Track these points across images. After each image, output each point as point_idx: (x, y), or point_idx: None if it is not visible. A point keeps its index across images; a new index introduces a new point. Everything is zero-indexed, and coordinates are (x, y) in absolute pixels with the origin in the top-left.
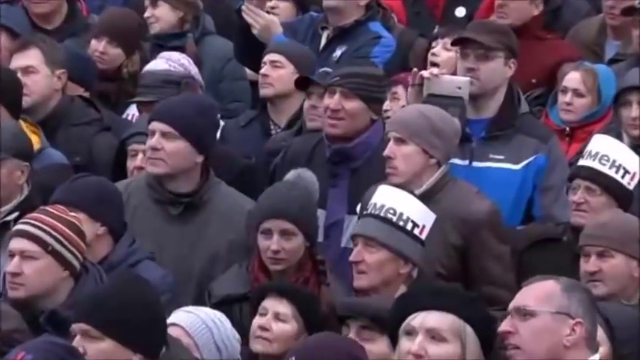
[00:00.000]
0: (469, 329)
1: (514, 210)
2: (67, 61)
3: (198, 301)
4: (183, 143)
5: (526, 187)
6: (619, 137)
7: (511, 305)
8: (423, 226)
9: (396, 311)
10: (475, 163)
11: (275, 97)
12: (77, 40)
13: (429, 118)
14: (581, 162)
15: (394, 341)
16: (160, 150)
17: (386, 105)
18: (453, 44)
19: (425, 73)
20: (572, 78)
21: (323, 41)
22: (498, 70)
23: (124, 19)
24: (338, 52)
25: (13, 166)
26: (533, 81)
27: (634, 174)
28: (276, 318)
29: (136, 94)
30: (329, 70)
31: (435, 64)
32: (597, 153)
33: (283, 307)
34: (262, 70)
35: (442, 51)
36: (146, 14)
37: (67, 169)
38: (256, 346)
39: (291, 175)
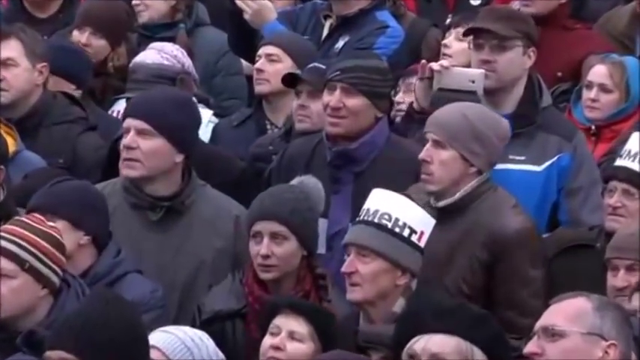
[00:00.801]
0: (477, 351)
1: (537, 215)
2: (56, 55)
3: (181, 314)
4: (160, 141)
5: (550, 190)
6: None
7: (538, 324)
8: (422, 233)
9: (398, 333)
10: None
11: (271, 94)
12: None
13: (470, 122)
14: (619, 162)
15: None
16: (136, 149)
17: (399, 97)
18: (464, 35)
19: (434, 65)
20: (598, 72)
21: (325, 31)
22: (516, 60)
23: (109, 8)
24: (341, 43)
25: None
26: (559, 74)
27: None
28: (291, 337)
29: (125, 90)
30: (320, 66)
31: (447, 56)
32: (637, 153)
33: (299, 325)
34: (257, 65)
35: (454, 42)
36: (134, 2)
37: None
38: None
39: (295, 182)
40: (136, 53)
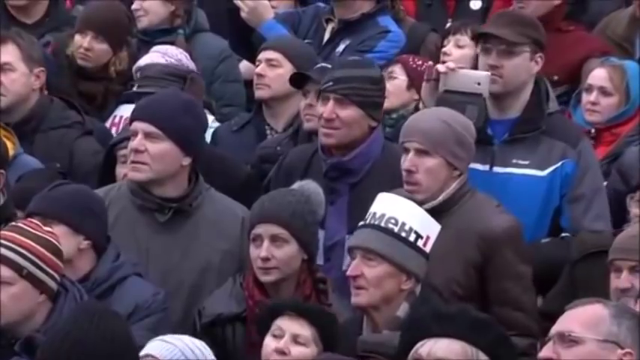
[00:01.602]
0: (482, 355)
1: (540, 221)
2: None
3: (188, 317)
4: (168, 144)
5: (553, 196)
6: None
7: (554, 329)
8: (428, 237)
9: (402, 339)
10: (496, 169)
11: (271, 99)
12: (59, 35)
13: (452, 127)
14: None
15: None
16: (144, 152)
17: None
18: (473, 39)
19: (441, 67)
20: (598, 75)
21: (327, 35)
22: (523, 66)
23: (110, 12)
24: (342, 47)
25: None
26: (555, 78)
27: None
28: (294, 341)
29: (131, 87)
30: (327, 65)
31: None
32: None
33: (302, 329)
34: (257, 70)
35: (454, 49)
36: (134, 6)
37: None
38: None
39: (295, 186)
40: (137, 58)
